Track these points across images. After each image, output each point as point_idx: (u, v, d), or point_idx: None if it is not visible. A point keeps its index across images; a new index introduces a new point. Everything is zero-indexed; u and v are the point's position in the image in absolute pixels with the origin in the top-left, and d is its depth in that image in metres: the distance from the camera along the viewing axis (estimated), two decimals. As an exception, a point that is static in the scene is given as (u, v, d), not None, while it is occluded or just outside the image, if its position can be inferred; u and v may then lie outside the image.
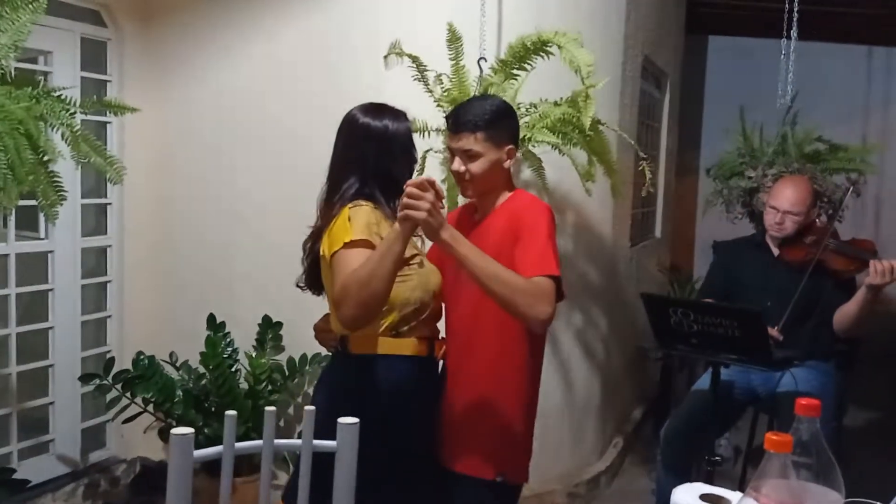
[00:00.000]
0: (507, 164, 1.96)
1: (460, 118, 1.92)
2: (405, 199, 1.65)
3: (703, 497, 1.13)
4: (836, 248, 2.94)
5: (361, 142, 1.92)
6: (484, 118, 1.90)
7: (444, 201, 1.74)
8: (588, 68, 2.54)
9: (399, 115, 1.97)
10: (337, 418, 1.35)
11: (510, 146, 1.95)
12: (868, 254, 2.88)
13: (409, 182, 1.65)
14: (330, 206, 1.91)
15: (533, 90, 2.86)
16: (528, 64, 2.76)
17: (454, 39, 2.76)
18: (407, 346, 1.90)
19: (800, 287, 2.87)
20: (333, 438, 1.32)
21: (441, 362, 2.03)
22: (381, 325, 1.88)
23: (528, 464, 2.02)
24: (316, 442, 1.28)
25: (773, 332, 2.83)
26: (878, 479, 1.04)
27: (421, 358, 1.93)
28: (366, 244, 1.77)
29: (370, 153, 1.90)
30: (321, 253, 1.87)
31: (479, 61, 2.86)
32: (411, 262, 1.88)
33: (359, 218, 1.81)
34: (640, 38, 4.05)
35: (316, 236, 1.92)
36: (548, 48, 2.69)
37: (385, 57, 2.83)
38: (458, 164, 1.94)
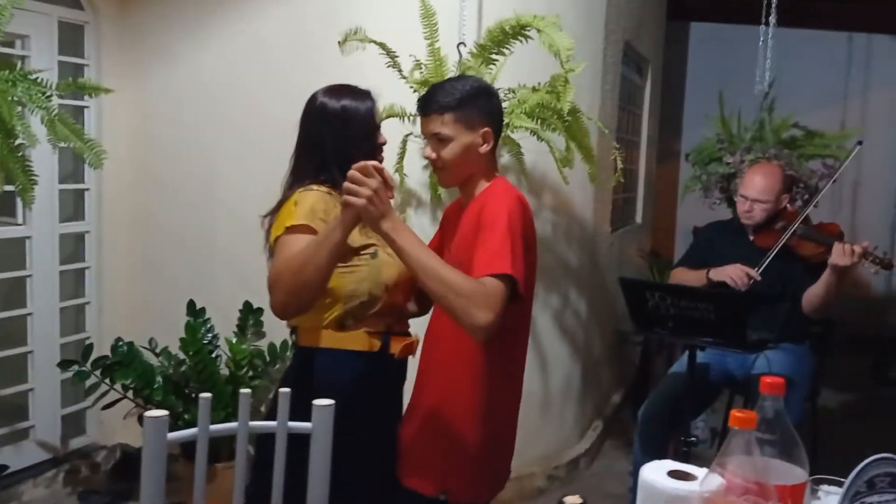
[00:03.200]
0: (483, 148, 1.80)
1: (428, 99, 1.80)
2: (346, 184, 1.57)
3: (670, 473, 1.15)
4: (803, 234, 2.99)
5: (319, 123, 1.84)
6: (454, 98, 1.76)
7: (393, 190, 1.63)
8: (567, 52, 2.54)
9: (360, 94, 1.87)
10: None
11: (485, 129, 1.79)
12: (833, 237, 2.93)
13: (355, 165, 1.57)
14: (287, 191, 1.83)
15: (511, 75, 2.86)
16: (507, 48, 2.76)
17: (428, 15, 2.75)
18: (353, 340, 1.80)
19: (763, 265, 2.93)
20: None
21: (412, 360, 1.91)
22: (325, 318, 1.79)
23: (485, 481, 1.84)
24: (291, 424, 1.29)
25: (753, 272, 2.90)
26: (851, 459, 1.06)
27: (370, 353, 1.80)
28: (306, 230, 1.69)
29: (328, 135, 1.82)
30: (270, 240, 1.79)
31: (458, 46, 2.86)
32: (362, 252, 1.77)
33: (305, 202, 1.73)
34: (622, 24, 4.06)
35: (270, 227, 1.83)
36: (526, 32, 2.69)
37: (341, 43, 2.80)
38: (428, 151, 1.82)
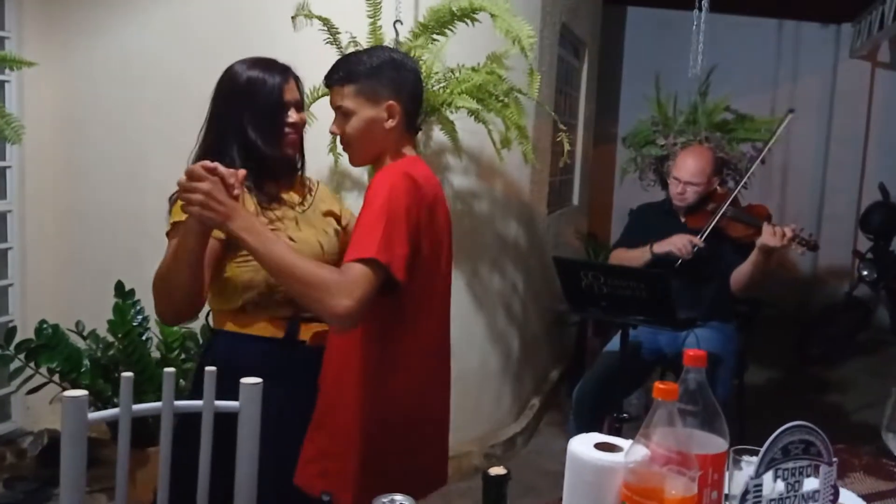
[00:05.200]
0: (388, 123, 1.65)
1: (332, 70, 1.68)
2: (178, 191, 1.50)
3: (597, 446, 1.17)
4: (732, 216, 3.08)
5: (223, 94, 1.75)
6: (355, 70, 1.64)
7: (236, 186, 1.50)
8: (530, 40, 2.51)
9: (273, 67, 1.76)
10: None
11: (390, 102, 1.64)
12: (761, 219, 3.03)
13: (186, 169, 1.49)
14: None
15: (448, 55, 2.85)
16: (450, 29, 2.75)
17: None
18: (255, 325, 1.72)
19: (705, 232, 3.02)
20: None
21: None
22: (227, 307, 1.73)
23: (373, 484, 1.52)
24: (218, 402, 1.27)
25: (697, 240, 2.99)
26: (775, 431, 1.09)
27: (275, 340, 1.72)
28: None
29: (230, 107, 1.74)
30: None
31: (394, 24, 2.83)
32: None
33: None
34: (558, 5, 4.08)
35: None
36: (474, 15, 2.67)
37: (293, 18, 2.76)
38: (333, 125, 1.70)
